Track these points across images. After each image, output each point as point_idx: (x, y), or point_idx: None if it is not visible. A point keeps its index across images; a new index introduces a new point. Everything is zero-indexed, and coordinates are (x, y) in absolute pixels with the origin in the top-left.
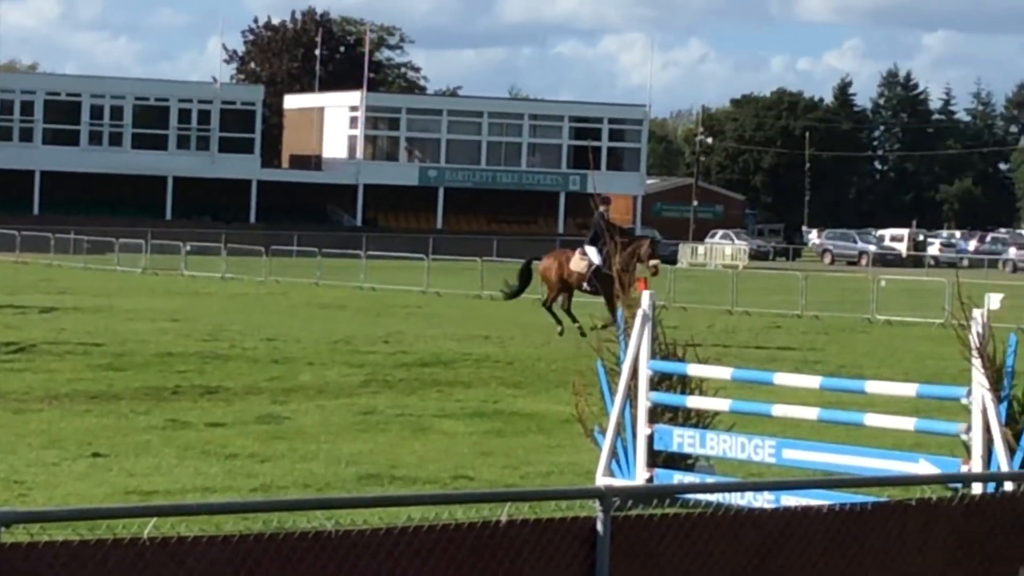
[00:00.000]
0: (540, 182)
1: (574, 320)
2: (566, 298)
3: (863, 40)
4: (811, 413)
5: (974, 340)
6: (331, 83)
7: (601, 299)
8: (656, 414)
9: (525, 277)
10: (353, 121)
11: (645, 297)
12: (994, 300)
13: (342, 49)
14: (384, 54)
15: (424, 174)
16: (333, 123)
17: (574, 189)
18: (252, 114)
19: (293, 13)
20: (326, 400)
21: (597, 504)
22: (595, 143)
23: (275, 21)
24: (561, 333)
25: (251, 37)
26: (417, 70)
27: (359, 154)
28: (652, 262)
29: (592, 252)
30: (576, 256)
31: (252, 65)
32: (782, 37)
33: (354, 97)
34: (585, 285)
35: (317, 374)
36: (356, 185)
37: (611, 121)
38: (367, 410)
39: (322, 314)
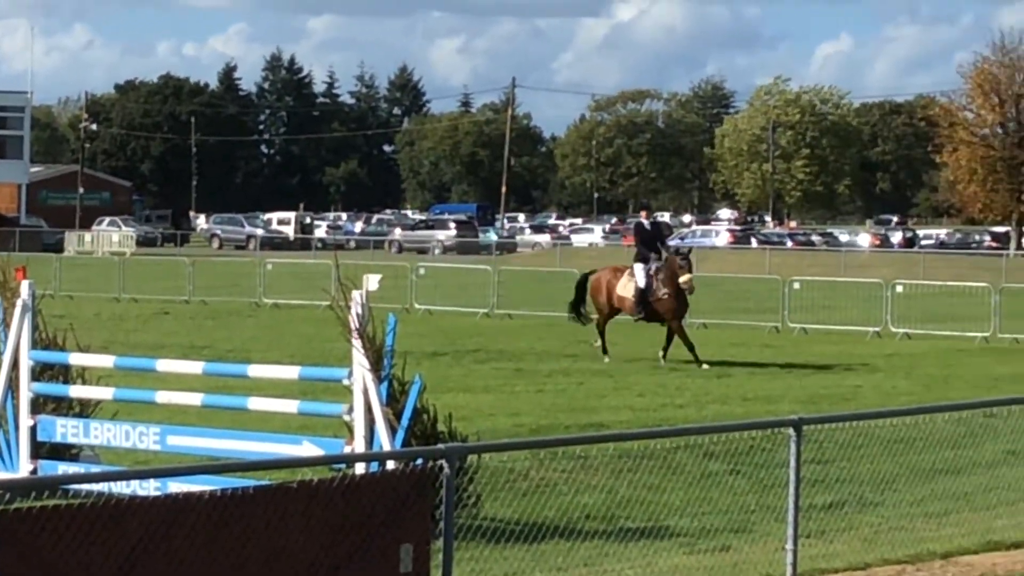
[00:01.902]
0: None
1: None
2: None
3: (249, 24)
4: (195, 399)
5: (354, 321)
6: None
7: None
8: (39, 404)
9: (580, 291)
10: None
11: (24, 287)
12: (372, 281)
13: None
14: None
15: None
16: None
17: None
18: None
19: None
20: None
21: None
22: None
23: None
24: (603, 351)
25: None
26: None
27: None
28: (683, 279)
29: (639, 272)
30: (625, 278)
31: None
32: (169, 22)
33: None
34: (633, 316)
35: None
36: None
37: None
38: None
39: None
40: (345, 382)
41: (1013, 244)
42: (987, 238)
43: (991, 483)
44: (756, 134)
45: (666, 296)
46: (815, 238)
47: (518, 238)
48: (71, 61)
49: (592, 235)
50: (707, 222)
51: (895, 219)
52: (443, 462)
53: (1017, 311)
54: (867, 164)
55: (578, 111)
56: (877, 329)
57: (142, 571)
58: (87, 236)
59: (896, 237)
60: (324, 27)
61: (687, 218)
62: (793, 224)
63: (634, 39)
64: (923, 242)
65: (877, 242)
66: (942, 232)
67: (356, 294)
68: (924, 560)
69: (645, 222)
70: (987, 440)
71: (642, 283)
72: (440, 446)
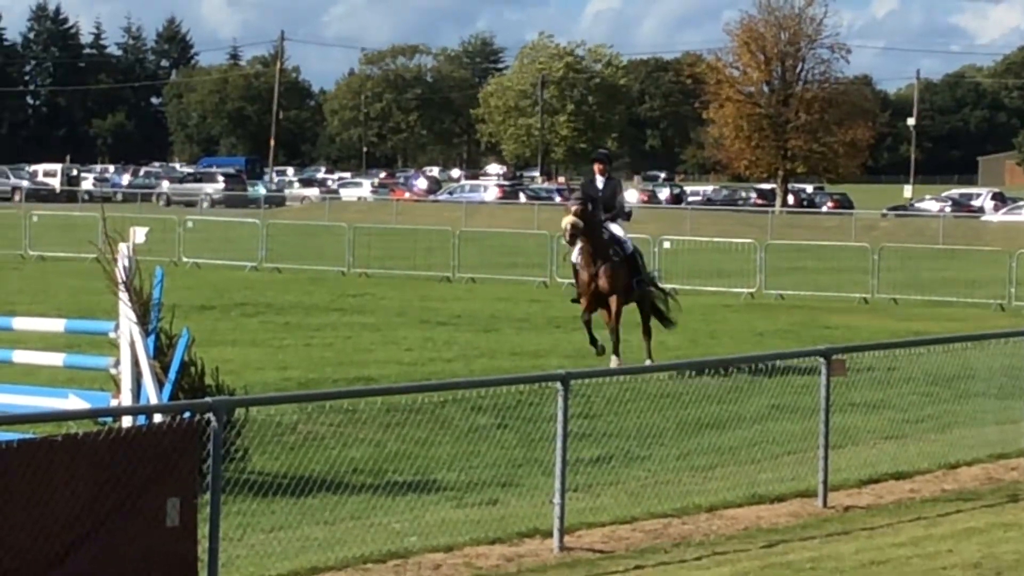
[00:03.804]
0: None
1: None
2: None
3: None
4: None
5: (121, 274)
6: None
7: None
8: None
9: None
10: None
11: None
12: (139, 234)
13: None
14: None
15: None
16: None
17: None
18: None
19: None
20: None
21: None
22: None
23: None
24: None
25: None
26: None
27: None
28: (565, 220)
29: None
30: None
31: None
32: None
33: None
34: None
35: None
36: None
37: None
38: None
39: None
40: (112, 335)
41: (779, 201)
42: (753, 195)
43: (756, 437)
44: (522, 90)
45: (580, 269)
46: None
47: (287, 192)
48: None
49: (361, 189)
50: (476, 177)
51: (663, 175)
52: (210, 415)
53: (781, 267)
54: (635, 121)
55: (348, 65)
56: None
57: None
58: None
59: (663, 193)
60: None
61: (456, 173)
62: (561, 180)
63: None
64: (690, 198)
65: (645, 198)
66: (709, 189)
67: (123, 247)
68: (690, 513)
69: (599, 178)
70: (752, 394)
71: (574, 256)
72: (207, 399)
